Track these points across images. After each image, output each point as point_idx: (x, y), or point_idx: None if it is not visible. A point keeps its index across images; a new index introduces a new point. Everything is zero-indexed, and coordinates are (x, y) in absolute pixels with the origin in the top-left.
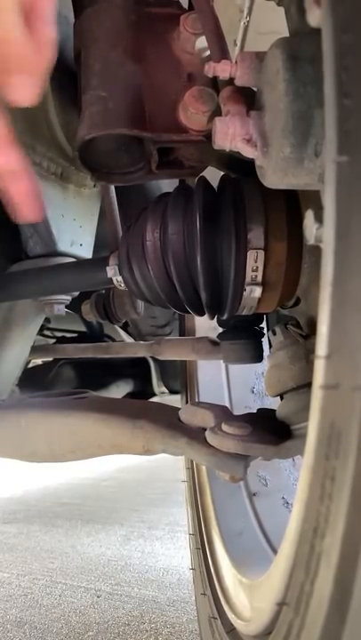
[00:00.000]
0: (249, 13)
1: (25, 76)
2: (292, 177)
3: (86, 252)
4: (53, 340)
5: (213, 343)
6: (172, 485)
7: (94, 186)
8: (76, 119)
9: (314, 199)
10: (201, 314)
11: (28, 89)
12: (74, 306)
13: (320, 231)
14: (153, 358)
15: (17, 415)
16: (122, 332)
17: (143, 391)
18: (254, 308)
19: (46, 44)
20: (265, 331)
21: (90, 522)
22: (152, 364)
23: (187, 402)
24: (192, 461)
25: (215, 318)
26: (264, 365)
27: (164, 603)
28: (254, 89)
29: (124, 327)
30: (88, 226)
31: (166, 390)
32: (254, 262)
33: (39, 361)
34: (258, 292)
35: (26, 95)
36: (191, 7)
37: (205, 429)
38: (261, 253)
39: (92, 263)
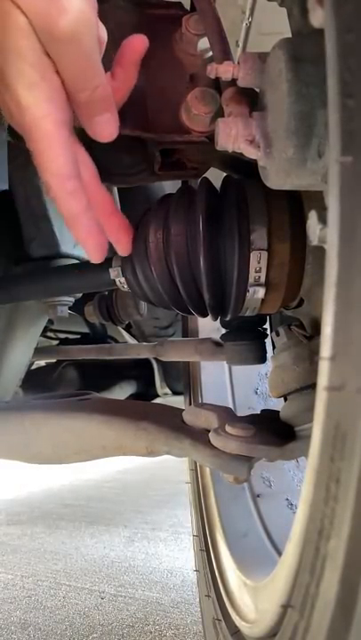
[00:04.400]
0: (251, 14)
1: (107, 115)
2: (296, 178)
3: None
4: (57, 342)
5: (216, 344)
6: (176, 487)
7: None
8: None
9: (317, 200)
10: (204, 315)
11: (109, 127)
12: (77, 307)
13: (324, 232)
14: (156, 359)
15: (20, 417)
16: (125, 334)
17: (146, 392)
18: (257, 309)
19: (127, 87)
20: (268, 332)
21: (93, 523)
22: (155, 365)
23: (190, 403)
24: (196, 463)
25: (218, 319)
26: (268, 366)
27: (168, 604)
28: (257, 90)
29: (127, 328)
30: None
31: (169, 391)
32: (257, 263)
33: (42, 362)
34: (261, 292)
35: (108, 132)
36: (193, 8)
37: (209, 431)
38: (264, 254)
39: (94, 265)
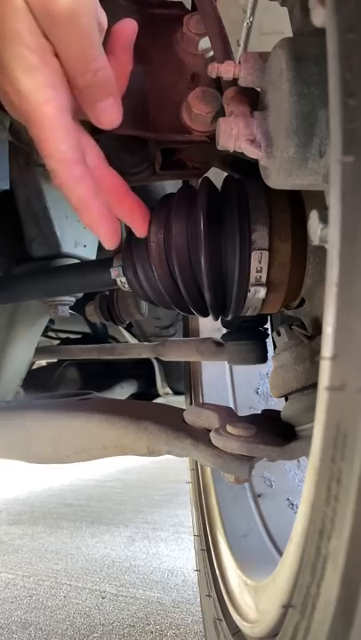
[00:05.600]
0: (252, 14)
1: (110, 100)
2: (297, 177)
3: (90, 254)
4: (58, 342)
5: (218, 344)
6: (177, 487)
7: None
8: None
9: (318, 199)
10: (205, 315)
11: (113, 113)
12: (78, 307)
13: (325, 231)
14: (157, 359)
15: (21, 416)
16: (126, 334)
17: (147, 392)
18: (259, 308)
19: (126, 71)
20: (269, 332)
21: (94, 523)
22: (156, 365)
23: (191, 403)
24: (197, 463)
25: (219, 319)
26: (269, 366)
27: (168, 604)
28: (258, 89)
29: (128, 328)
30: None
31: (170, 391)
32: (258, 263)
33: (43, 362)
34: (262, 292)
35: (112, 119)
36: (194, 8)
37: (210, 431)
38: (266, 254)
39: (96, 264)
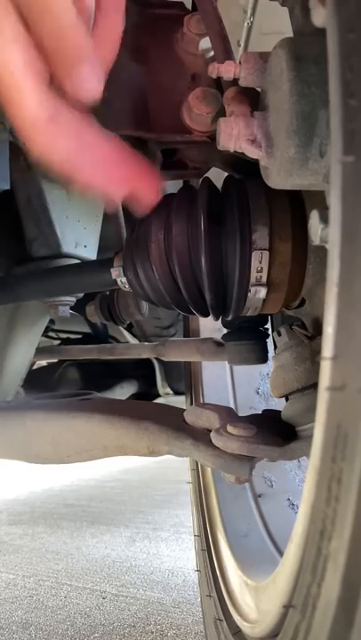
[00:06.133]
0: (253, 14)
1: (86, 69)
2: (297, 177)
3: (91, 254)
4: (58, 342)
5: (218, 344)
6: (177, 487)
7: None
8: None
9: (319, 199)
10: (205, 315)
11: (89, 82)
12: (78, 307)
13: (325, 231)
14: (157, 359)
15: (22, 416)
16: (126, 334)
17: (148, 392)
18: (259, 308)
19: (114, 36)
20: (270, 332)
21: (95, 523)
22: (156, 365)
23: (191, 403)
24: (197, 463)
25: (220, 319)
26: (269, 366)
27: (169, 604)
28: (258, 89)
29: (129, 328)
30: (92, 227)
31: (171, 391)
32: (259, 263)
33: (44, 362)
34: (263, 292)
35: (90, 87)
36: (195, 8)
37: (210, 431)
38: (266, 254)
39: (96, 264)
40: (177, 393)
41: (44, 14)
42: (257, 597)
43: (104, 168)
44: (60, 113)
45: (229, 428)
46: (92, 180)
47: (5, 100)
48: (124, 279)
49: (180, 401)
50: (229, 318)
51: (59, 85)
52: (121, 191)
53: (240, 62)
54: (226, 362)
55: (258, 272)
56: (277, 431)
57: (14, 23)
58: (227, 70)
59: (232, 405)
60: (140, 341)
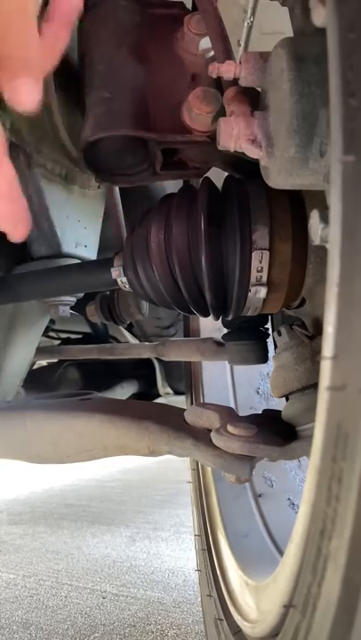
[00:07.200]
0: (253, 14)
1: (30, 80)
2: (297, 177)
3: (91, 254)
4: (58, 342)
5: (218, 344)
6: (178, 487)
7: (98, 187)
8: (81, 120)
9: (319, 199)
10: (206, 315)
11: (30, 95)
12: (79, 307)
13: (326, 231)
14: (158, 359)
15: (22, 416)
16: (126, 334)
17: (148, 392)
18: (259, 308)
19: (58, 49)
20: (270, 331)
21: (95, 523)
22: (157, 365)
23: (192, 403)
24: (197, 462)
25: (220, 319)
26: (269, 366)
27: (169, 604)
28: (259, 89)
29: (129, 328)
30: (92, 227)
31: (171, 391)
32: (259, 263)
33: (44, 362)
34: (263, 292)
35: (27, 101)
36: (195, 8)
37: (211, 431)
38: (266, 254)
39: (96, 264)
40: (177, 393)
41: (4, 25)
42: (257, 597)
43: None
44: None
45: (230, 428)
46: None
47: None
48: (124, 279)
49: (180, 401)
50: (230, 318)
51: None
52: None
53: (240, 62)
54: (226, 362)
55: (258, 272)
56: (278, 431)
57: None
58: (227, 70)
59: (232, 405)
60: (140, 341)
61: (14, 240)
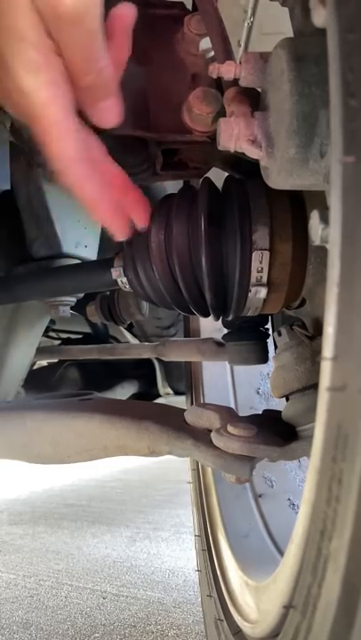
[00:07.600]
0: (253, 14)
1: (112, 100)
2: (298, 178)
3: (91, 254)
4: (58, 342)
5: (218, 344)
6: (178, 487)
7: None
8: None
9: (319, 199)
10: (206, 315)
11: (114, 112)
12: (79, 307)
13: (326, 232)
14: (158, 359)
15: (22, 416)
16: (127, 334)
17: (148, 392)
18: (260, 308)
19: (123, 61)
20: (270, 332)
21: (95, 523)
22: (157, 365)
23: (192, 403)
24: (197, 463)
25: (220, 319)
26: (270, 366)
27: (170, 604)
28: (259, 90)
29: (129, 328)
30: (93, 227)
31: (171, 391)
32: (259, 263)
33: (44, 362)
34: (263, 292)
35: (112, 118)
36: (195, 8)
37: (211, 431)
38: (266, 254)
39: (96, 265)
40: (177, 393)
41: (87, 59)
42: (257, 597)
43: (111, 193)
44: (91, 150)
45: (230, 429)
46: (107, 213)
47: (43, 139)
48: (124, 279)
49: (180, 401)
50: (230, 318)
51: (81, 112)
52: (119, 216)
53: (240, 62)
54: (226, 362)
55: (258, 272)
56: (278, 431)
57: (58, 65)
58: (227, 70)
59: (232, 405)
60: (140, 341)
61: (119, 238)
